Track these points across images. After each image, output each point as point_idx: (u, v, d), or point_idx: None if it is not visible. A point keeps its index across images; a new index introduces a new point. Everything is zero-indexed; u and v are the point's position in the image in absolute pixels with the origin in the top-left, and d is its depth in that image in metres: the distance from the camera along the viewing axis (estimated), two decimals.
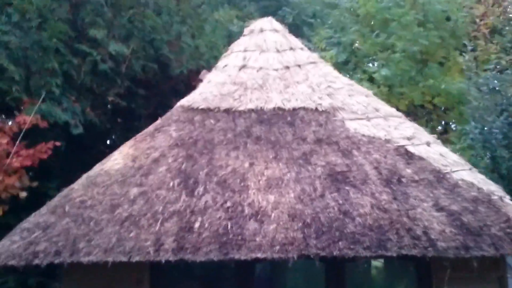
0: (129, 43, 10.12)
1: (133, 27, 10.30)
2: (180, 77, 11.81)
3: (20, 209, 7.89)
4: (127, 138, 12.64)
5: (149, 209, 5.10)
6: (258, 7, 18.23)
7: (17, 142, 8.05)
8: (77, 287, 5.40)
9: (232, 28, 15.99)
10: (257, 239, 4.81)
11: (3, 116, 9.53)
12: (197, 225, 4.93)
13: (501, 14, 16.43)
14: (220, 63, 7.21)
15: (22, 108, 8.71)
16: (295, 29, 18.25)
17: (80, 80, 9.51)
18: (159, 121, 6.31)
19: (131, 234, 4.88)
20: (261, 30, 7.42)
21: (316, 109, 6.34)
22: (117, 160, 5.72)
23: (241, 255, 4.73)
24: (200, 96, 6.53)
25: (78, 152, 10.36)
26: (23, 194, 8.15)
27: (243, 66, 6.90)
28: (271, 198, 5.17)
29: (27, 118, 8.27)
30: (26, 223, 5.12)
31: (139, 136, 6.11)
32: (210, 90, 6.59)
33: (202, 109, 6.34)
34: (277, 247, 4.76)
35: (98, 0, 9.69)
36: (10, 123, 8.65)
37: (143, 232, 4.89)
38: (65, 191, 5.48)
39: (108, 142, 12.47)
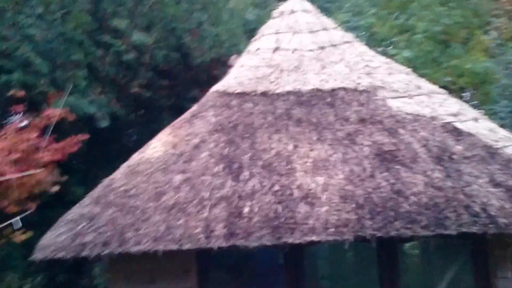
0: (151, 33, 9.98)
1: (154, 16, 10.15)
2: (201, 66, 11.63)
3: (43, 205, 7.83)
4: (149, 130, 12.58)
5: (195, 195, 4.96)
6: None
7: (47, 136, 7.95)
8: (123, 278, 5.29)
9: (247, 16, 15.77)
10: (310, 222, 4.66)
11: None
12: (246, 210, 4.78)
13: None
14: (252, 47, 7.03)
15: (48, 102, 8.61)
16: None
17: (105, 72, 9.39)
18: (195, 107, 6.16)
19: (180, 222, 4.74)
20: (292, 11, 7.22)
21: (356, 88, 6.15)
22: (156, 147, 5.58)
23: (294, 238, 4.58)
24: (235, 80, 6.37)
25: (100, 146, 10.24)
26: (55, 189, 8.06)
27: (277, 49, 6.72)
28: (320, 180, 5.00)
29: (55, 112, 8.16)
30: (71, 215, 5.01)
31: (176, 122, 5.96)
32: (244, 74, 6.42)
33: (238, 93, 6.18)
34: (331, 229, 4.60)
35: None
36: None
37: (192, 219, 4.75)
38: (107, 181, 5.36)
39: (130, 134, 12.38)
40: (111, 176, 5.42)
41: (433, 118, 5.75)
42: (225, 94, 6.20)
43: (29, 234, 7.49)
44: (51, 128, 8.07)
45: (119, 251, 4.63)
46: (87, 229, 4.79)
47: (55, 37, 8.51)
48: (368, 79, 6.28)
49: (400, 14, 15.33)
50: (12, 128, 7.94)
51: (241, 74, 6.45)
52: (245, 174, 5.13)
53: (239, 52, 12.44)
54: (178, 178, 5.17)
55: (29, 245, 8.46)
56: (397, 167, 5.13)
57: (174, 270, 5.24)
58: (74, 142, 8.50)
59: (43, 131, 8.20)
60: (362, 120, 5.71)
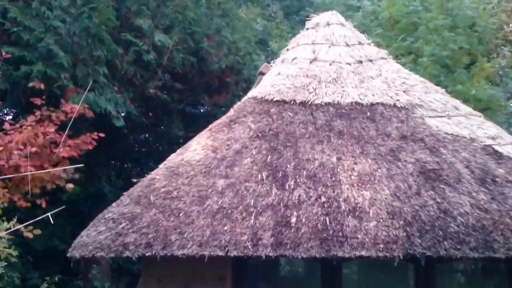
0: (171, 35, 9.86)
1: (175, 19, 10.04)
2: (215, 72, 11.55)
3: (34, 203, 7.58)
4: (156, 133, 12.41)
5: (240, 201, 4.86)
6: (280, 7, 18.02)
7: (66, 131, 7.72)
8: (156, 281, 5.12)
9: (256, 27, 15.81)
10: (359, 236, 4.60)
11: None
12: (293, 220, 4.70)
13: None
14: (287, 55, 6.98)
15: (67, 96, 8.40)
16: None
17: (124, 71, 9.23)
18: (232, 112, 6.07)
19: (225, 227, 4.63)
20: (328, 24, 7.21)
21: (394, 105, 6.14)
22: (197, 150, 5.46)
23: (343, 252, 4.51)
24: (272, 88, 6.30)
25: (105, 145, 9.97)
26: (70, 186, 7.83)
27: (314, 59, 6.68)
28: (367, 194, 4.95)
29: (75, 107, 7.96)
30: (110, 213, 4.85)
31: (214, 126, 5.85)
32: (282, 82, 6.36)
33: (277, 101, 6.11)
34: (381, 245, 4.55)
35: None
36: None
37: (238, 225, 4.65)
38: (146, 181, 5.21)
39: (137, 136, 12.19)
40: (150, 176, 5.27)
41: (472, 140, 5.77)
42: (263, 101, 6.12)
43: (37, 231, 7.26)
44: (70, 123, 7.86)
45: (162, 253, 4.48)
46: (128, 229, 4.64)
47: (79, 31, 8.32)
48: (405, 97, 6.28)
49: (407, 36, 15.53)
50: (30, 121, 7.72)
51: (279, 82, 6.39)
52: (290, 183, 5.05)
53: (252, 60, 12.44)
54: (221, 183, 5.06)
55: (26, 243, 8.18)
56: (442, 186, 5.11)
57: (209, 276, 5.11)
58: (91, 139, 8.31)
59: (60, 126, 7.99)
60: (403, 137, 5.70)
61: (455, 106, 6.27)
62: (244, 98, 6.35)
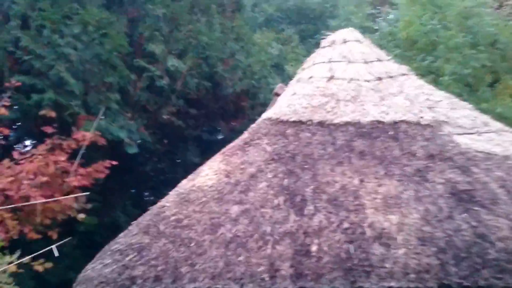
0: (184, 60, 9.71)
1: (189, 43, 9.91)
2: (230, 97, 11.35)
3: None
4: (171, 161, 12.14)
5: (255, 229, 4.50)
6: (296, 30, 17.92)
7: (77, 159, 7.53)
8: None
9: (271, 51, 15.64)
10: (387, 265, 4.18)
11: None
12: (314, 248, 4.31)
13: None
14: (303, 75, 6.69)
15: (79, 124, 8.23)
16: None
17: (137, 97, 9.06)
18: (246, 134, 5.76)
19: (240, 258, 4.26)
20: (344, 41, 6.93)
21: (419, 122, 5.76)
22: (209, 175, 5.15)
23: (370, 283, 4.10)
24: (288, 108, 5.99)
25: (119, 173, 9.74)
26: (81, 216, 7.58)
27: (331, 77, 6.38)
28: (393, 219, 4.54)
29: (87, 135, 7.78)
30: (117, 244, 4.53)
31: (227, 150, 5.55)
32: (298, 102, 6.06)
33: (293, 121, 5.79)
34: (412, 275, 4.12)
35: (156, 14, 9.32)
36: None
37: (253, 255, 4.27)
38: (155, 209, 4.90)
39: (152, 163, 11.94)
40: (160, 204, 4.96)
41: (506, 158, 5.33)
42: (279, 122, 5.81)
43: (48, 264, 6.98)
44: (82, 151, 7.66)
45: (173, 287, 4.12)
46: (136, 261, 4.30)
47: (91, 58, 8.21)
48: (430, 113, 5.90)
49: (426, 55, 15.17)
50: (41, 150, 7.54)
51: (295, 102, 6.08)
52: (310, 208, 4.68)
53: (268, 84, 12.21)
54: (235, 209, 4.71)
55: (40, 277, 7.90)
56: (476, 208, 4.67)
57: None
58: (103, 168, 8.08)
59: (72, 154, 7.80)
60: (430, 156, 5.29)
61: (484, 122, 5.86)
62: (259, 120, 6.05)
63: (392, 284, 4.09)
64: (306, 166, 5.16)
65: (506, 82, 15.09)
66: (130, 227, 4.79)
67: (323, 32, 19.17)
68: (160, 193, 12.87)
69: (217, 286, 4.11)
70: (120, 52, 8.58)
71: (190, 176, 5.34)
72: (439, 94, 6.35)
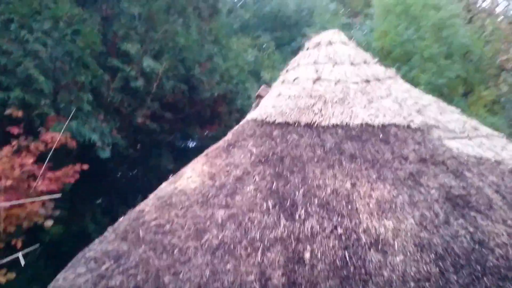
0: (160, 61, 9.34)
1: (165, 44, 9.56)
2: (206, 101, 11.02)
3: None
4: (145, 166, 11.65)
5: (243, 235, 4.19)
6: (271, 38, 17.75)
7: (46, 162, 7.03)
8: None
9: (247, 57, 15.41)
10: (385, 273, 3.93)
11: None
12: (307, 255, 4.02)
13: None
14: (287, 76, 6.44)
15: (47, 125, 7.74)
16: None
17: (110, 98, 8.63)
18: (230, 136, 5.45)
19: (228, 266, 3.94)
20: (330, 43, 6.73)
21: (409, 126, 5.58)
22: (191, 178, 4.81)
23: None
24: (274, 109, 5.72)
25: (88, 179, 9.25)
26: (49, 223, 7.07)
27: (318, 79, 6.15)
28: (389, 224, 4.31)
29: (56, 136, 7.30)
30: (92, 251, 4.13)
31: (211, 151, 5.22)
32: (284, 103, 5.80)
33: (279, 123, 5.52)
34: (411, 284, 3.88)
35: (131, 12, 8.94)
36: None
37: (242, 263, 3.96)
38: (134, 213, 4.52)
39: (124, 169, 11.46)
40: (138, 208, 4.59)
41: (498, 163, 5.19)
42: (264, 123, 5.53)
43: (11, 274, 6.47)
44: (50, 154, 7.17)
45: None
46: (113, 270, 3.91)
47: (62, 56, 7.75)
48: (420, 117, 5.73)
49: (401, 65, 15.25)
50: (6, 152, 7.02)
51: (280, 103, 5.82)
52: (301, 213, 4.40)
53: (245, 89, 11.94)
54: (221, 213, 4.39)
55: None
56: (473, 214, 4.49)
57: None
58: (73, 172, 7.61)
59: (39, 157, 7.30)
60: (422, 160, 5.11)
61: (474, 127, 5.73)
62: (243, 121, 5.76)
63: None
64: (295, 169, 4.89)
65: (479, 92, 15.30)
66: (105, 233, 4.39)
67: (299, 40, 19.10)
68: (132, 201, 12.40)
69: None
70: (93, 50, 8.15)
71: (171, 179, 4.99)
72: (427, 98, 6.20)
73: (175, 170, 11.86)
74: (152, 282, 3.83)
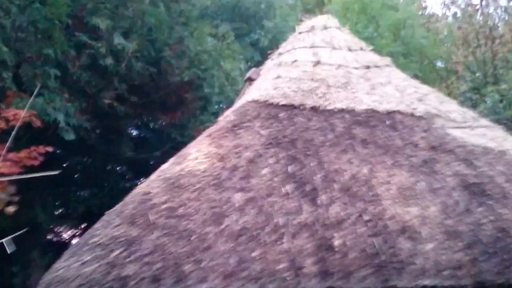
0: (130, 39, 8.71)
1: (135, 23, 8.93)
2: (172, 87, 10.47)
3: None
4: (103, 154, 10.90)
5: (265, 220, 3.84)
6: (230, 28, 17.31)
7: (8, 142, 6.25)
8: None
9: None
10: (417, 261, 3.73)
11: None
12: (337, 242, 3.74)
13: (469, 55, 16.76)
14: (283, 59, 6.14)
15: (7, 101, 6.95)
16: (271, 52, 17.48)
17: (76, 76, 7.92)
18: (232, 116, 5.06)
19: (254, 254, 3.57)
20: (325, 27, 6.52)
21: (412, 114, 5.47)
22: (199, 159, 4.38)
23: (404, 282, 3.62)
24: (276, 91, 5.40)
25: (45, 165, 8.44)
26: (11, 210, 6.34)
27: (318, 62, 5.90)
28: (413, 211, 4.13)
29: (19, 113, 6.55)
30: (96, 237, 3.61)
31: (214, 132, 4.80)
32: (287, 85, 5.49)
33: (283, 105, 5.21)
34: (446, 272, 3.71)
35: None
36: None
37: (270, 251, 3.61)
38: (138, 195, 4.02)
39: (85, 155, 10.65)
40: (142, 190, 4.09)
41: (502, 153, 5.18)
42: (267, 105, 5.19)
43: None
44: (14, 133, 6.40)
45: None
46: (125, 258, 3.43)
47: (26, 25, 6.97)
48: (422, 106, 5.64)
49: None
50: None
51: (282, 85, 5.51)
52: (322, 198, 4.11)
53: (212, 77, 11.48)
54: (237, 197, 4.01)
55: None
56: (490, 202, 4.41)
57: None
58: (36, 154, 6.88)
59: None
60: (432, 148, 4.99)
61: (474, 118, 5.72)
62: (242, 102, 5.38)
63: (426, 282, 3.65)
64: (308, 153, 4.60)
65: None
66: (106, 218, 3.87)
67: (258, 31, 18.73)
68: (88, 189, 11.56)
69: (231, 287, 3.38)
70: (60, 22, 7.40)
71: (174, 160, 4.52)
72: (425, 88, 6.14)
73: (136, 159, 11.16)
74: (171, 272, 3.39)
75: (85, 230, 12.45)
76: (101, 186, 11.26)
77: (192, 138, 11.59)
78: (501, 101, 12.77)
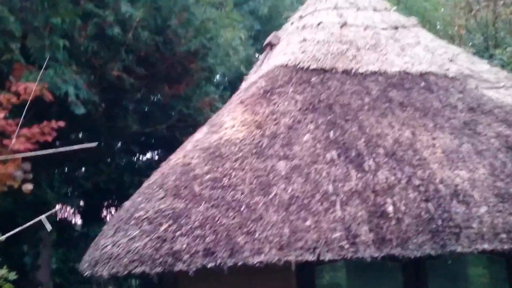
0: (136, 7, 8.33)
1: None
2: (177, 57, 10.10)
3: None
4: (112, 129, 10.59)
5: (314, 188, 3.67)
6: None
7: (22, 118, 5.98)
8: None
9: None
10: (473, 225, 3.61)
11: None
12: (390, 208, 3.60)
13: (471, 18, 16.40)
14: (307, 21, 5.86)
15: (16, 74, 6.63)
16: (270, 21, 17.08)
17: (84, 47, 7.58)
18: (263, 82, 4.82)
19: (307, 223, 3.42)
20: None
21: (446, 75, 5.27)
22: (235, 127, 4.18)
23: (462, 247, 3.51)
24: (304, 54, 5.16)
25: (53, 142, 8.13)
26: (28, 187, 6.12)
27: (344, 24, 5.64)
28: (463, 174, 3.99)
29: (30, 87, 6.25)
30: (141, 211, 3.42)
31: (247, 99, 4.58)
32: (315, 48, 5.25)
33: (314, 69, 4.98)
34: (503, 235, 3.59)
35: None
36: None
37: (323, 219, 3.45)
38: (178, 167, 3.82)
39: (91, 131, 10.33)
40: (180, 161, 3.89)
41: None
42: (298, 69, 4.96)
43: None
44: (27, 107, 6.12)
45: (231, 263, 3.17)
46: (174, 231, 3.26)
47: None
48: (454, 66, 5.45)
49: None
50: None
51: (310, 48, 5.26)
52: (370, 163, 3.95)
53: (218, 46, 11.14)
54: (281, 165, 3.83)
55: None
56: None
57: None
58: (49, 129, 6.61)
59: (11, 111, 6.26)
60: (471, 109, 4.83)
61: (507, 77, 5.55)
62: (270, 67, 5.13)
63: (485, 246, 3.54)
64: (347, 118, 4.41)
65: None
66: (146, 190, 3.68)
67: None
68: (94, 166, 11.28)
69: (289, 258, 3.24)
70: None
71: (208, 128, 4.31)
72: (455, 48, 5.93)
73: (142, 133, 10.89)
74: (225, 244, 3.23)
75: (90, 207, 12.26)
76: (106, 162, 11.00)
77: (197, 110, 11.35)
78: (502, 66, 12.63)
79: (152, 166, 11.76)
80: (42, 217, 3.61)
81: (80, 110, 7.36)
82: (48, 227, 3.56)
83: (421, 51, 5.56)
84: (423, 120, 4.55)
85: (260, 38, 16.24)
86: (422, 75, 5.20)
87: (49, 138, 6.62)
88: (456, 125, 4.56)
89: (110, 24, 7.74)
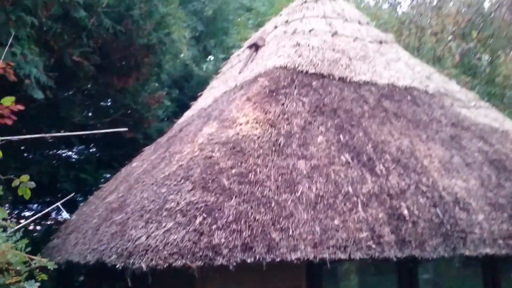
0: None
1: None
2: (133, 49, 9.76)
3: None
4: (57, 118, 9.90)
5: (336, 189, 3.75)
6: None
7: None
8: None
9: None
10: (476, 231, 3.90)
11: None
12: (405, 212, 3.78)
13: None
14: (297, 27, 5.96)
15: None
16: (214, 23, 17.00)
17: (47, 27, 7.08)
18: (265, 81, 4.81)
19: (336, 222, 3.48)
20: None
21: (426, 91, 5.64)
22: (250, 123, 4.13)
23: (469, 251, 3.78)
24: (301, 59, 5.24)
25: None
26: None
27: (335, 33, 5.82)
28: (459, 183, 4.30)
29: None
30: (172, 202, 3.27)
31: (253, 96, 4.55)
32: (311, 53, 5.35)
33: (313, 73, 5.08)
34: (500, 241, 3.93)
35: None
36: None
37: (349, 219, 3.54)
38: (199, 160, 3.70)
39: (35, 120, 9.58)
40: (201, 153, 3.76)
41: (505, 133, 5.56)
42: (297, 72, 5.03)
43: None
44: None
45: (270, 259, 3.14)
46: (210, 225, 3.15)
47: None
48: (432, 84, 5.84)
49: None
50: None
51: (306, 53, 5.35)
52: (381, 168, 4.11)
53: (173, 42, 10.89)
54: (302, 164, 3.86)
55: None
56: None
57: None
58: (8, 112, 6.05)
59: None
60: (453, 125, 5.21)
61: (474, 98, 6.05)
62: (268, 67, 5.14)
63: (487, 250, 3.84)
64: (352, 123, 4.56)
65: None
66: (168, 182, 3.53)
67: (202, 0, 17.95)
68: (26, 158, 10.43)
69: (323, 255, 3.27)
70: None
71: (218, 124, 4.21)
72: (427, 66, 6.35)
73: (85, 125, 10.35)
74: (261, 239, 3.19)
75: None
76: (45, 157, 10.27)
77: (145, 106, 10.96)
78: None
79: (90, 161, 11.18)
80: (57, 204, 3.31)
81: (39, 95, 6.84)
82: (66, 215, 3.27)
83: (403, 66, 5.90)
84: (416, 131, 4.83)
85: (202, 39, 16.12)
86: (407, 89, 5.51)
87: (9, 122, 6.07)
88: (444, 138, 4.90)
89: (76, 6, 7.30)
